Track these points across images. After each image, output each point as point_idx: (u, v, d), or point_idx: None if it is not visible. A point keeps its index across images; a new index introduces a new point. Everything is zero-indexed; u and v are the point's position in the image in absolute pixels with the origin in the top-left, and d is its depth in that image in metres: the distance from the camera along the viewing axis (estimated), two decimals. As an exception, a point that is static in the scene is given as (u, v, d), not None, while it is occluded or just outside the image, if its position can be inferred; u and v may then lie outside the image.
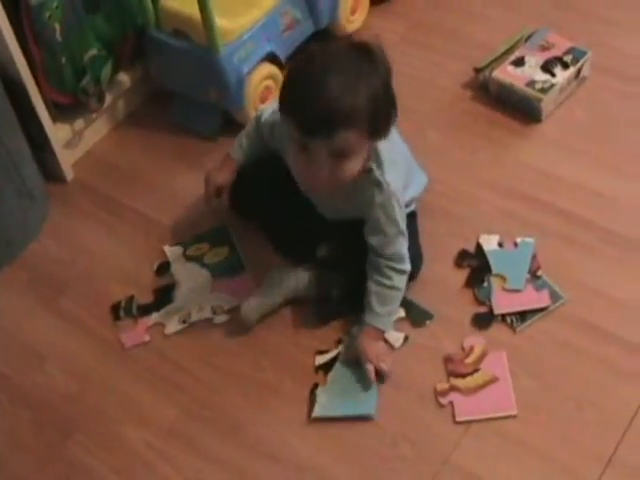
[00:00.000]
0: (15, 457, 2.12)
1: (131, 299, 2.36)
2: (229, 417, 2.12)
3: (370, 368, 2.10)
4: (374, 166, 2.08)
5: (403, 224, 2.14)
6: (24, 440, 2.14)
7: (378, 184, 2.09)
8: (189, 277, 2.39)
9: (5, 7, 2.29)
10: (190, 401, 2.16)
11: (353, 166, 2.00)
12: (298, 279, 2.26)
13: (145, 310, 2.34)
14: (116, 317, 2.34)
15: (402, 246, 2.15)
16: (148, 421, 2.13)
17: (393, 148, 2.14)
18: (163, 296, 2.36)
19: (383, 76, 1.98)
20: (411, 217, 2.28)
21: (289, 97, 1.98)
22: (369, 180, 2.09)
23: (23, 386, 2.24)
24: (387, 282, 2.15)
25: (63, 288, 2.43)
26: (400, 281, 2.16)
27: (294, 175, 2.18)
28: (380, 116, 1.97)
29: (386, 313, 2.16)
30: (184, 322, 2.30)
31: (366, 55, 1.97)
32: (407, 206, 2.23)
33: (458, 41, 2.95)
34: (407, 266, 2.17)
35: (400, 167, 2.17)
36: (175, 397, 2.17)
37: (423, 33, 3.01)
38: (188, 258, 2.43)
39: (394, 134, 2.15)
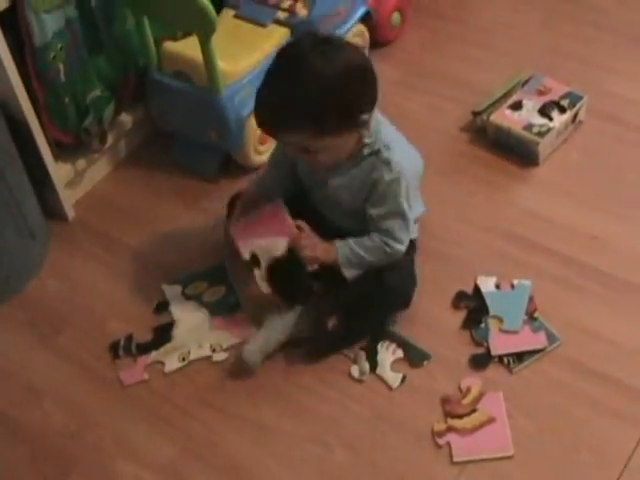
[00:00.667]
0: (12, 494, 2.12)
1: (130, 338, 2.36)
2: (225, 456, 2.12)
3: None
4: (382, 148, 2.13)
5: (408, 209, 2.17)
6: (20, 477, 2.14)
7: (387, 163, 2.13)
8: (188, 315, 2.40)
9: (10, 47, 2.32)
10: (187, 439, 2.16)
11: (331, 154, 2.09)
12: (298, 318, 2.27)
13: (144, 349, 2.34)
14: (115, 356, 2.34)
15: (400, 227, 2.18)
16: (145, 459, 2.13)
17: (402, 149, 2.21)
18: (162, 334, 2.36)
19: (340, 67, 1.99)
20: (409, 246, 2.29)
21: None
22: (378, 160, 2.14)
23: (21, 423, 2.24)
24: (375, 240, 2.19)
25: (62, 326, 2.43)
26: (386, 253, 2.19)
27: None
28: (332, 111, 2.01)
29: (351, 249, 2.19)
30: (183, 360, 2.30)
31: (322, 50, 2.00)
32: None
33: (455, 85, 2.99)
34: (400, 247, 2.20)
35: (407, 159, 2.21)
36: (172, 435, 2.17)
37: (421, 77, 3.05)
38: (187, 297, 2.44)
39: (401, 141, 2.25)
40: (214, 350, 2.30)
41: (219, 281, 2.47)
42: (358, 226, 2.23)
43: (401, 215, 2.17)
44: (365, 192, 2.17)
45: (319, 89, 1.98)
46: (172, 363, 2.30)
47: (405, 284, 2.27)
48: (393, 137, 2.20)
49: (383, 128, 2.17)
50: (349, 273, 2.20)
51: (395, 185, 2.14)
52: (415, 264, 2.32)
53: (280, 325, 2.26)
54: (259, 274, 2.26)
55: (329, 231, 2.26)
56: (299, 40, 2.11)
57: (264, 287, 2.25)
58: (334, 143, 2.07)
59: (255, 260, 2.26)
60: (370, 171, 2.15)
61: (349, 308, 2.23)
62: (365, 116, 2.06)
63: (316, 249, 2.20)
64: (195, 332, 2.35)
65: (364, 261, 2.20)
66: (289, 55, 2.06)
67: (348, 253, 2.19)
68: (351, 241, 2.20)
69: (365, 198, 2.18)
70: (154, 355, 2.32)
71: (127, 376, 2.29)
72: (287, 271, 2.24)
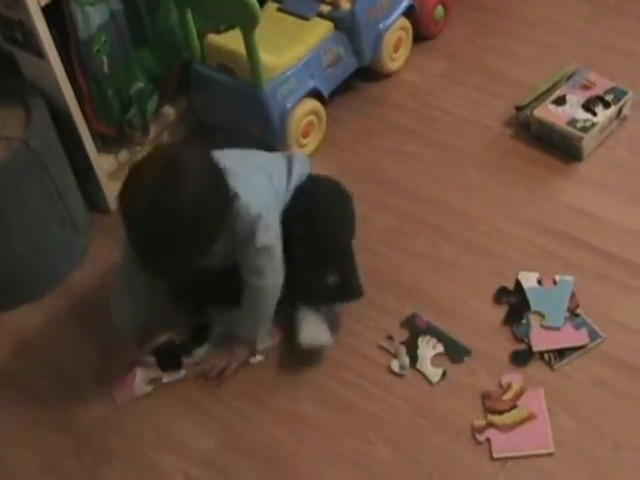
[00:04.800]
0: (52, 483, 2.15)
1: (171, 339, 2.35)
2: (265, 449, 2.13)
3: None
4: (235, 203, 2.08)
5: (271, 243, 2.16)
6: (62, 466, 2.16)
7: (244, 209, 2.09)
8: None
9: (55, 40, 2.34)
10: (227, 432, 2.17)
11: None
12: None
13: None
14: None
15: (267, 261, 2.18)
16: (185, 450, 2.15)
17: (250, 177, 2.16)
18: (200, 334, 2.36)
19: (187, 200, 1.91)
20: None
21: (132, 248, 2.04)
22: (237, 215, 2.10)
23: (63, 412, 2.26)
24: (247, 297, 2.21)
25: (103, 317, 2.42)
26: (259, 295, 2.20)
27: None
28: (204, 239, 2.00)
29: (251, 322, 2.25)
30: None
31: (163, 191, 1.91)
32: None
33: (499, 79, 2.97)
34: (265, 281, 2.19)
35: (263, 186, 2.18)
36: (212, 427, 2.18)
37: (465, 71, 3.03)
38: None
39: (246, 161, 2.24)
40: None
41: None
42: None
43: (264, 250, 2.16)
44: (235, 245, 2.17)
45: (189, 215, 1.93)
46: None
47: (334, 201, 2.29)
48: (245, 176, 2.13)
49: (239, 186, 2.08)
50: (264, 331, 2.26)
51: (254, 228, 2.12)
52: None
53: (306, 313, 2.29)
54: None
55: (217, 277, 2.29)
56: (138, 191, 1.94)
57: None
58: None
59: None
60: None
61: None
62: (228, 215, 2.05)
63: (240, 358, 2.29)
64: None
65: (262, 314, 2.24)
66: (141, 211, 1.92)
67: (250, 328, 2.25)
68: (245, 318, 2.25)
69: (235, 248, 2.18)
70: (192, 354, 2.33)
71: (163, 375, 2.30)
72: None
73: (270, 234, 2.15)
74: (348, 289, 2.31)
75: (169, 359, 2.29)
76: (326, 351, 2.28)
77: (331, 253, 2.27)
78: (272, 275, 2.19)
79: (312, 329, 2.27)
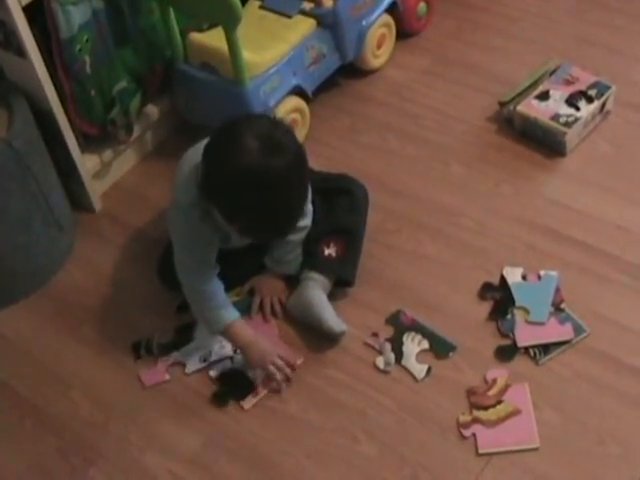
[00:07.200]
0: (38, 484, 2.14)
1: (151, 338, 2.35)
2: (251, 448, 2.12)
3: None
4: None
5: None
6: (48, 467, 2.15)
7: None
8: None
9: (36, 40, 2.33)
10: (213, 431, 2.17)
11: None
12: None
13: (165, 349, 2.34)
14: (137, 356, 2.34)
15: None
16: (171, 449, 2.14)
17: None
18: (184, 335, 2.36)
19: (295, 156, 2.06)
20: None
21: (249, 222, 2.09)
22: None
23: (48, 413, 2.26)
24: (298, 232, 2.35)
25: (88, 317, 2.45)
26: (302, 231, 2.36)
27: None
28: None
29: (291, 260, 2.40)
30: (204, 361, 2.30)
31: (277, 151, 2.02)
32: None
33: (482, 75, 2.97)
34: (309, 220, 2.36)
35: None
36: (198, 427, 2.18)
37: (448, 67, 3.03)
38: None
39: None
40: (235, 351, 2.29)
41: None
42: None
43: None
44: None
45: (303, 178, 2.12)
46: (193, 364, 2.30)
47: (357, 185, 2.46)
48: None
49: None
50: (296, 264, 2.40)
51: None
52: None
53: (320, 298, 2.32)
54: None
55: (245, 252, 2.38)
56: (253, 150, 2.03)
57: None
58: None
59: None
60: None
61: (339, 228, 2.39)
62: None
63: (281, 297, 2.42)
64: (217, 333, 2.33)
65: (300, 250, 2.39)
66: (269, 177, 2.01)
67: (295, 263, 2.40)
68: (290, 256, 2.39)
69: None
70: (175, 356, 2.32)
71: (148, 377, 2.29)
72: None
73: None
74: (341, 268, 2.35)
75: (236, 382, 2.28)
76: (311, 348, 2.29)
77: (340, 227, 2.38)
78: (310, 214, 2.35)
79: (333, 315, 2.29)
